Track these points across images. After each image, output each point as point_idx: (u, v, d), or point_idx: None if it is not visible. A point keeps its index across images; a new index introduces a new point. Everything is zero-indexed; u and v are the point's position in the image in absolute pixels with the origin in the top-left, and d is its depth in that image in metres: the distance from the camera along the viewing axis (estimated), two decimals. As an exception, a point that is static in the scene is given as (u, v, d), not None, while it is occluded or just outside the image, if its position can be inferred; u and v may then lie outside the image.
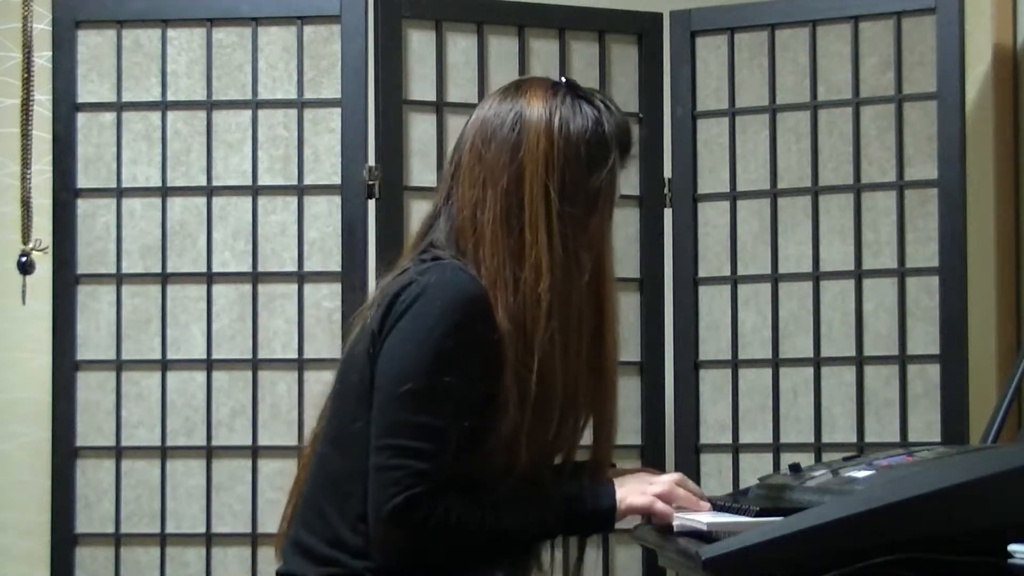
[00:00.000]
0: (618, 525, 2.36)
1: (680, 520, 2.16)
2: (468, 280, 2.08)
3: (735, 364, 3.43)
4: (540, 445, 2.13)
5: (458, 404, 2.05)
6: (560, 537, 2.25)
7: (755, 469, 3.28)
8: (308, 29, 3.38)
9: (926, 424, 3.27)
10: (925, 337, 3.29)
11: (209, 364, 3.34)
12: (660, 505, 2.18)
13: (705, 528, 2.00)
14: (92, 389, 3.35)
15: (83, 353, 3.35)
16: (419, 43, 3.36)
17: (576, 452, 2.25)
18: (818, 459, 3.29)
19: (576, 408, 2.19)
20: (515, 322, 2.08)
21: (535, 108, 2.16)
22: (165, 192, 3.38)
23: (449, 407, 2.04)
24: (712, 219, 3.47)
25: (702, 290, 3.46)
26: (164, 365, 3.35)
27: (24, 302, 3.25)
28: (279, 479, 3.26)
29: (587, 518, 2.16)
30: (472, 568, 2.14)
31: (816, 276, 3.38)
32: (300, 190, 3.36)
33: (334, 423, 2.17)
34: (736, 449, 3.41)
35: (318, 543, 2.12)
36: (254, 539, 3.30)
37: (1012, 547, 1.80)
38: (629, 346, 3.46)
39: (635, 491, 2.18)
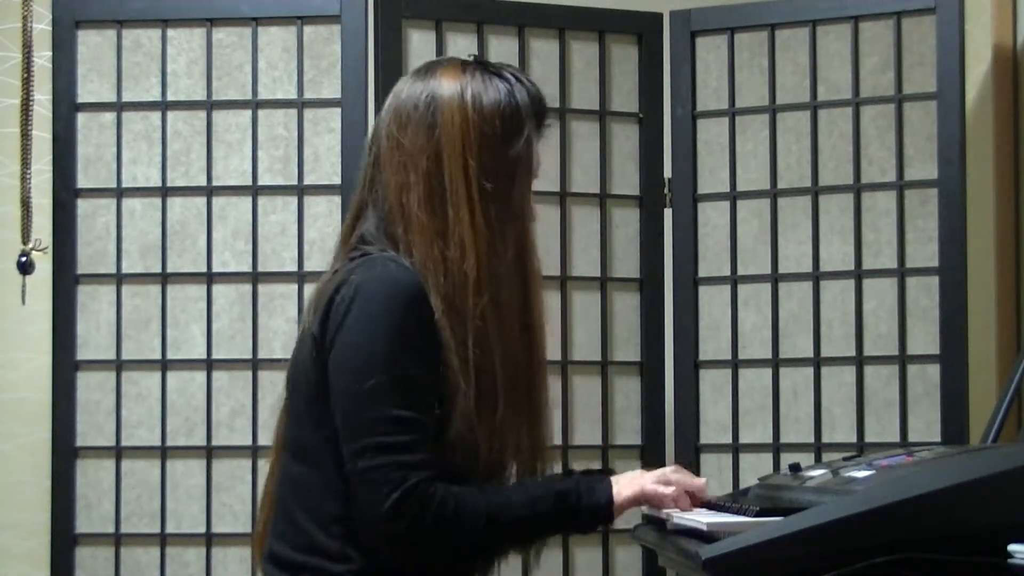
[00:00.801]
0: (618, 524, 2.36)
1: (678, 518, 2.16)
2: (399, 270, 2.08)
3: (735, 364, 3.43)
4: (491, 428, 2.10)
5: (423, 392, 2.04)
6: (557, 533, 2.23)
7: (755, 469, 3.28)
8: (308, 29, 3.38)
9: (926, 424, 3.27)
10: (925, 337, 3.29)
11: (209, 364, 3.34)
12: (652, 487, 2.18)
13: (705, 528, 2.00)
14: (92, 389, 3.35)
15: (83, 353, 3.35)
16: (419, 43, 3.36)
17: (539, 440, 2.22)
18: (818, 459, 3.29)
19: (518, 385, 2.16)
20: (447, 302, 2.08)
21: (447, 86, 2.15)
22: (165, 192, 3.38)
23: (416, 396, 2.03)
24: (712, 219, 3.47)
25: (702, 290, 3.46)
26: (164, 365, 3.35)
27: (24, 302, 3.25)
28: (279, 479, 3.26)
29: (584, 512, 2.14)
30: (472, 561, 2.14)
31: (816, 276, 3.38)
32: (300, 190, 3.36)
33: (292, 433, 2.17)
34: (736, 449, 3.41)
35: (293, 551, 2.11)
36: (254, 538, 3.29)
37: (1012, 547, 1.80)
38: (629, 346, 3.47)
39: (629, 483, 2.18)
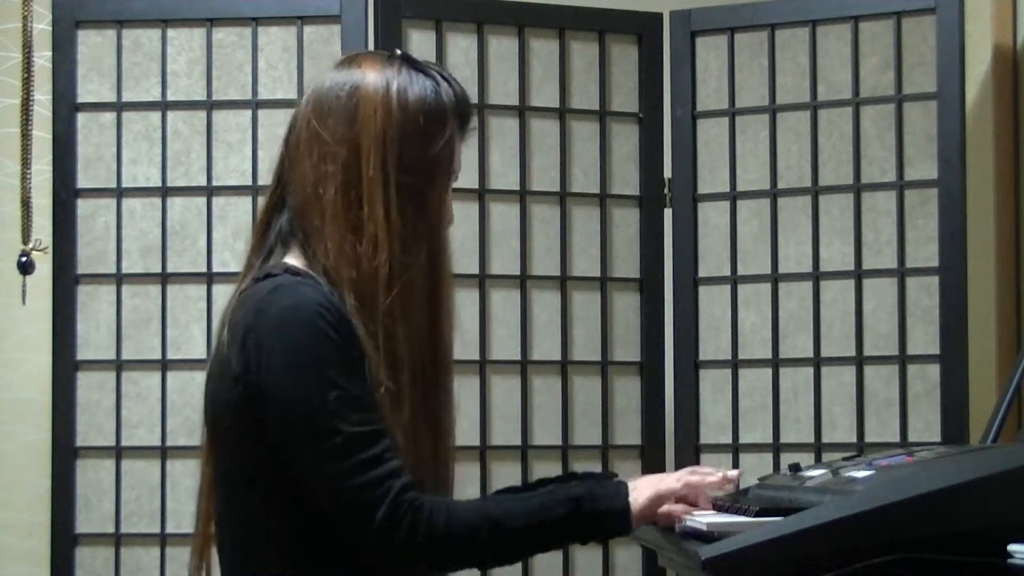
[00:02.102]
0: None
1: (687, 520, 2.14)
2: (308, 292, 2.01)
3: (735, 364, 3.43)
4: (403, 427, 2.03)
5: (367, 403, 1.98)
6: (569, 541, 2.14)
7: (755, 469, 3.28)
8: (308, 29, 3.38)
9: (926, 424, 3.27)
10: (925, 337, 3.29)
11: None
12: (669, 483, 2.08)
13: (705, 528, 2.00)
14: (92, 389, 3.35)
15: (83, 353, 3.35)
16: (419, 43, 3.36)
17: (441, 443, 2.14)
18: (818, 459, 3.29)
19: (424, 385, 2.09)
20: (359, 297, 2.02)
21: (370, 78, 2.08)
22: (165, 192, 3.38)
23: (367, 408, 1.98)
24: (712, 219, 3.47)
25: (702, 290, 3.46)
26: (164, 365, 3.35)
27: (24, 302, 3.25)
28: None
29: (599, 520, 2.03)
30: (481, 569, 2.08)
31: (816, 276, 3.38)
32: (300, 190, 3.35)
33: (221, 466, 2.08)
34: (736, 449, 3.41)
35: None
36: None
37: (1012, 547, 1.80)
38: (629, 346, 3.47)
39: (647, 486, 2.07)
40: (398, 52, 2.15)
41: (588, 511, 2.02)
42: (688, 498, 2.10)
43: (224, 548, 2.11)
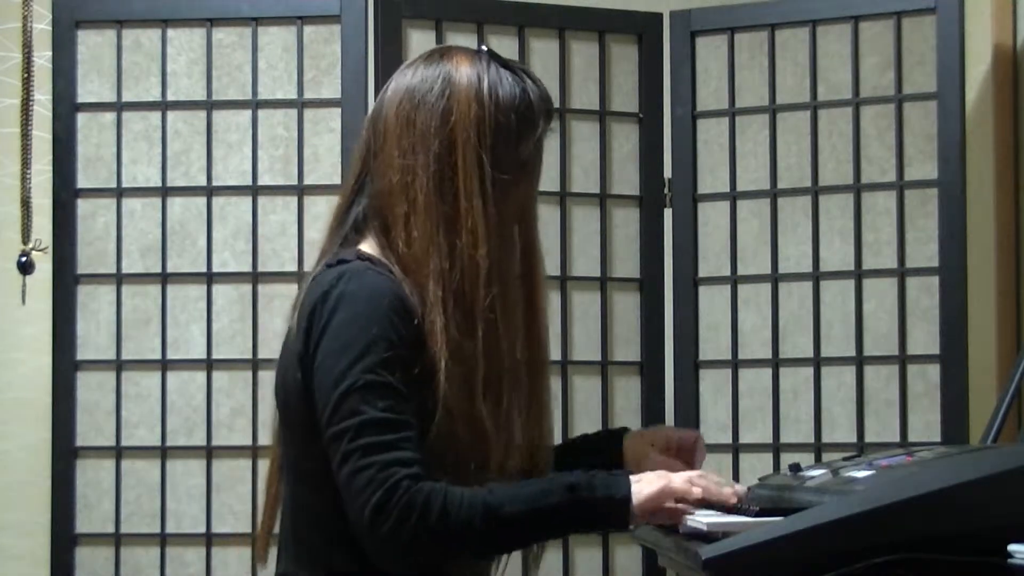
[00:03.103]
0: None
1: (689, 521, 2.13)
2: (379, 279, 2.02)
3: (735, 364, 3.43)
4: (497, 421, 2.04)
5: (404, 393, 1.97)
6: (568, 530, 2.14)
7: (755, 469, 3.28)
8: (308, 29, 3.38)
9: (926, 424, 3.27)
10: (925, 337, 3.29)
11: (209, 364, 3.34)
12: (678, 483, 2.04)
13: (705, 528, 2.00)
14: (92, 389, 3.35)
15: (83, 353, 3.35)
16: (419, 43, 3.35)
17: (540, 438, 2.15)
18: (818, 459, 3.29)
19: (520, 381, 2.10)
20: (451, 288, 2.02)
21: (463, 73, 2.09)
22: (165, 192, 3.38)
23: (397, 397, 1.97)
24: (712, 219, 3.47)
25: (702, 290, 3.46)
26: (164, 365, 3.35)
27: (24, 302, 3.25)
28: (279, 479, 3.26)
29: (598, 508, 2.00)
30: (476, 559, 2.06)
31: (816, 276, 3.38)
32: (300, 190, 3.36)
33: (290, 454, 2.11)
34: (736, 449, 3.41)
35: (310, 574, 2.07)
36: (254, 539, 3.30)
37: (1012, 547, 1.80)
38: (629, 346, 3.47)
39: (652, 479, 2.04)
40: (484, 48, 2.15)
41: (586, 499, 1.99)
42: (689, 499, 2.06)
43: (286, 537, 2.11)
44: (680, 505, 2.05)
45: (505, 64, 2.13)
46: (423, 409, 2.00)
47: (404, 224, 2.05)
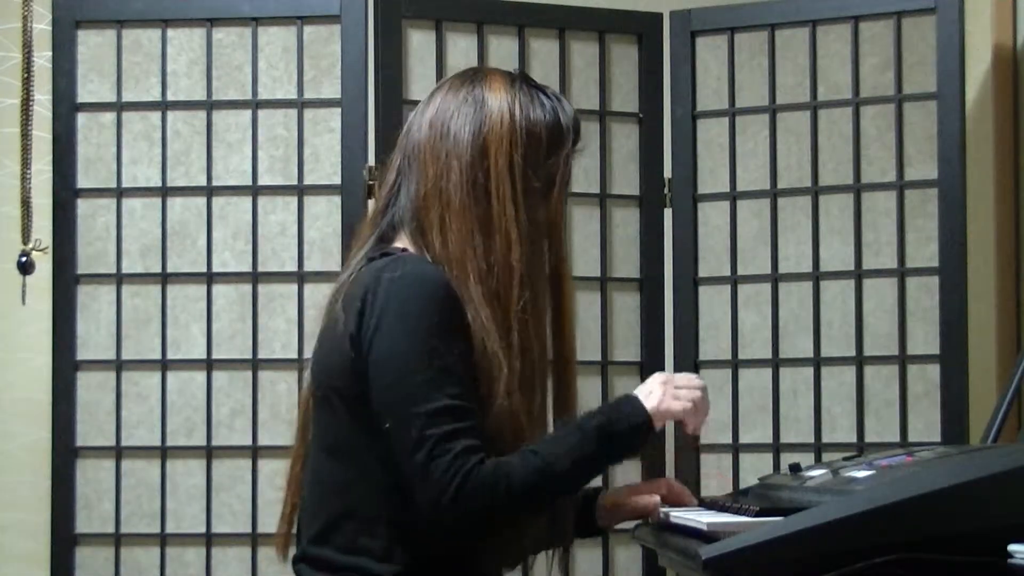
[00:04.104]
0: (619, 525, 2.37)
1: (676, 517, 2.16)
2: (430, 267, 2.13)
3: (735, 364, 3.43)
4: (531, 416, 2.17)
5: (466, 380, 2.08)
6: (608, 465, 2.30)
7: (755, 469, 3.28)
8: (308, 29, 3.38)
9: (926, 424, 3.27)
10: (925, 337, 3.29)
11: (209, 364, 3.34)
12: (691, 407, 2.24)
13: (705, 528, 2.00)
14: (92, 389, 3.35)
15: (83, 353, 3.35)
16: (419, 43, 3.36)
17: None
18: (818, 459, 3.29)
19: (550, 378, 2.26)
20: (488, 289, 2.14)
21: (496, 92, 2.22)
22: (165, 192, 3.38)
23: (462, 385, 2.07)
24: (712, 219, 3.47)
25: (702, 290, 3.46)
26: (164, 365, 3.35)
27: (24, 302, 3.25)
28: (279, 479, 3.23)
29: (625, 438, 2.18)
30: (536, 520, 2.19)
31: (816, 276, 3.38)
32: (300, 190, 3.36)
33: (328, 433, 2.18)
34: (736, 449, 3.41)
35: (334, 553, 2.13)
36: (254, 539, 3.30)
37: (1012, 547, 1.80)
38: (629, 346, 3.47)
39: (666, 395, 2.22)
40: (517, 71, 2.30)
41: (616, 434, 2.16)
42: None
43: (315, 520, 2.17)
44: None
45: (537, 87, 2.27)
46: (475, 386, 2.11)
47: (440, 227, 2.17)
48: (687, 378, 2.28)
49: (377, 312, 2.09)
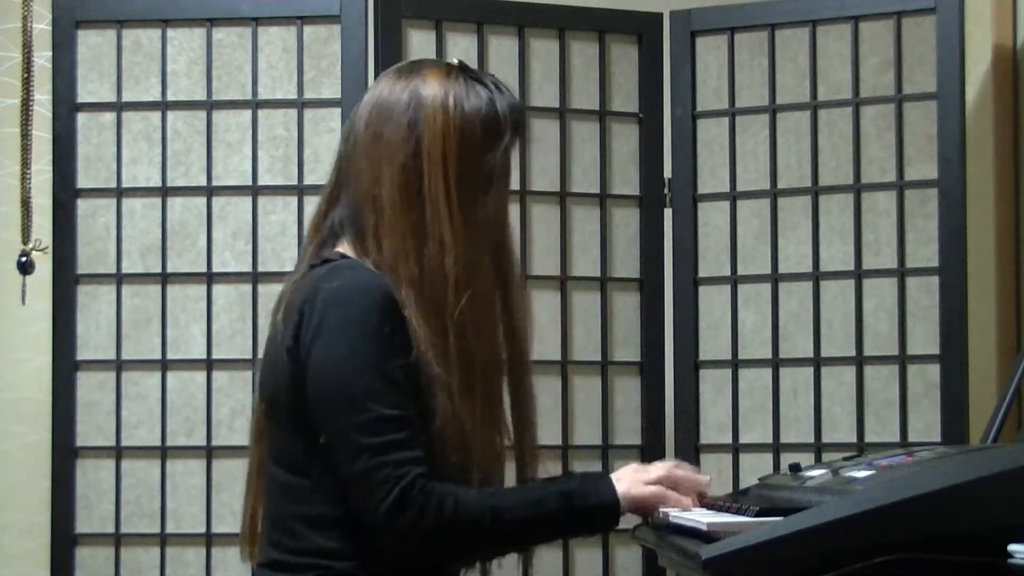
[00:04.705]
0: (618, 525, 2.36)
1: (675, 517, 2.16)
2: (368, 275, 2.09)
3: (735, 364, 3.43)
4: (475, 423, 2.11)
5: (407, 390, 2.05)
6: (565, 535, 2.24)
7: (755, 469, 3.28)
8: (308, 29, 3.38)
9: (926, 424, 3.27)
10: (925, 337, 3.29)
11: (209, 364, 3.34)
12: (670, 492, 2.17)
13: (705, 528, 2.00)
14: (92, 389, 3.35)
15: (83, 353, 3.35)
16: (419, 43, 3.36)
17: (528, 438, 2.24)
18: (818, 459, 3.29)
19: (498, 387, 2.19)
20: (423, 295, 2.09)
21: (430, 87, 2.16)
22: (165, 192, 3.38)
23: (403, 394, 2.04)
24: (712, 219, 3.47)
25: (702, 290, 3.46)
26: (164, 365, 3.35)
27: (24, 302, 3.25)
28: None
29: (590, 513, 2.13)
30: (478, 559, 2.16)
31: (816, 276, 3.38)
32: (300, 190, 3.36)
33: (276, 443, 2.16)
34: (736, 449, 3.41)
35: (293, 556, 2.11)
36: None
37: (1012, 547, 1.80)
38: (629, 346, 3.47)
39: (636, 482, 2.16)
40: (456, 62, 2.23)
41: (579, 507, 2.11)
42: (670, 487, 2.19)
43: (274, 528, 2.16)
44: (660, 494, 2.18)
45: (475, 77, 2.20)
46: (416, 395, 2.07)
47: (375, 232, 2.13)
48: (661, 466, 2.22)
49: (315, 324, 2.06)
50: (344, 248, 2.16)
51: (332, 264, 2.12)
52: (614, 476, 2.17)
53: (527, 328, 2.25)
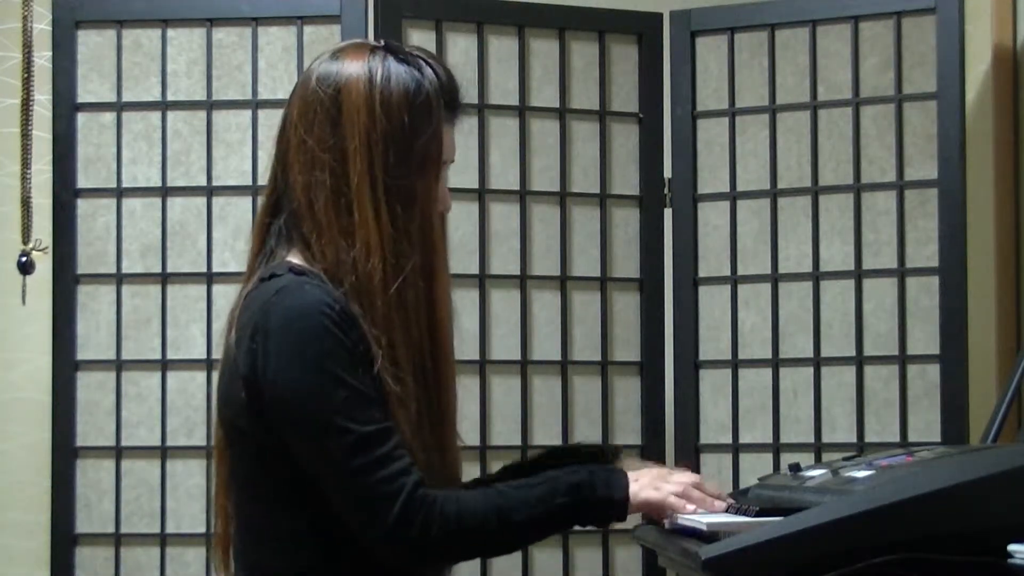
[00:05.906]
0: (618, 525, 2.36)
1: (679, 518, 2.15)
2: (313, 291, 2.02)
3: (735, 364, 3.43)
4: (410, 426, 2.04)
5: (375, 401, 2.00)
6: (570, 526, 2.18)
7: (755, 469, 3.28)
8: (308, 29, 3.38)
9: (926, 424, 3.27)
10: (925, 337, 3.29)
11: (209, 364, 3.34)
12: (673, 499, 2.12)
13: (705, 528, 2.00)
14: (92, 389, 3.35)
15: (83, 353, 3.35)
16: (419, 43, 3.34)
17: (446, 440, 2.14)
18: (818, 459, 3.29)
19: (426, 385, 2.10)
20: (360, 301, 2.02)
21: (352, 76, 2.07)
22: (165, 192, 3.38)
23: (376, 406, 1.99)
24: (712, 219, 3.47)
25: (702, 290, 3.46)
26: (164, 365, 3.35)
27: (24, 302, 3.25)
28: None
29: (597, 506, 2.09)
30: (488, 557, 2.13)
31: (816, 276, 3.38)
32: (300, 190, 3.35)
33: (238, 471, 2.11)
34: (736, 449, 3.41)
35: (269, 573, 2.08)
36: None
37: (1012, 547, 1.80)
38: (629, 346, 3.47)
39: (649, 486, 2.12)
40: (381, 42, 2.13)
41: (589, 499, 2.08)
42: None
43: (236, 547, 2.12)
44: (672, 502, 2.13)
45: (401, 56, 2.10)
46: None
47: (317, 238, 2.06)
48: (683, 479, 2.16)
49: (271, 353, 2.00)
50: (294, 257, 2.09)
51: (278, 281, 2.04)
52: (632, 474, 2.12)
53: (449, 323, 2.14)
